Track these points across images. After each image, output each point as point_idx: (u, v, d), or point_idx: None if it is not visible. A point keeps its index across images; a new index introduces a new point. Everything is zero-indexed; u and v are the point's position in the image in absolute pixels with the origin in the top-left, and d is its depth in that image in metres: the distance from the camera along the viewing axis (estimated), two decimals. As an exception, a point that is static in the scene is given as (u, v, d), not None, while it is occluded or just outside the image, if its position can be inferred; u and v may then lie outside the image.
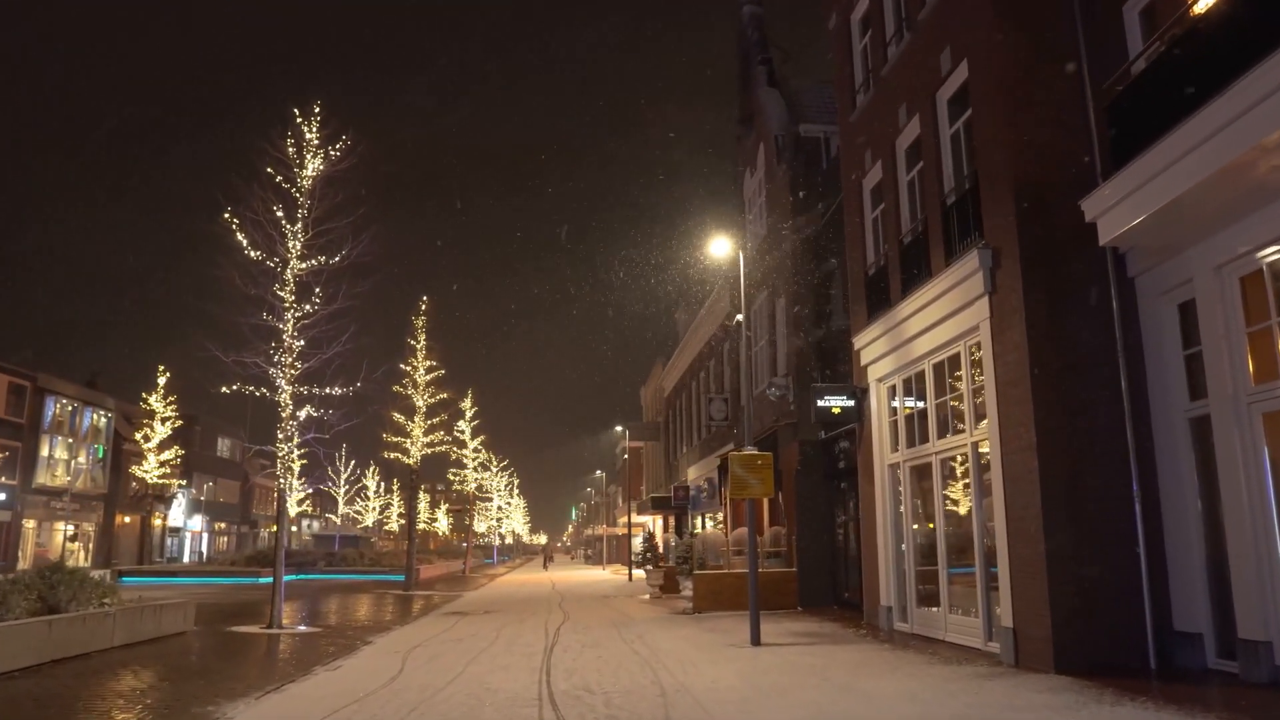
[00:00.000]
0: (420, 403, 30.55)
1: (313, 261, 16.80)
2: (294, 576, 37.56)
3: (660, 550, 25.72)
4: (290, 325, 16.43)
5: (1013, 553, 10.12)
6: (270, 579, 16.05)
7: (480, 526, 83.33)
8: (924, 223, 13.05)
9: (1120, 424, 9.82)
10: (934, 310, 12.25)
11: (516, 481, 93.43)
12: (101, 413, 53.40)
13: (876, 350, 14.47)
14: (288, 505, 52.80)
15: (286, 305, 16.45)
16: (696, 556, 18.60)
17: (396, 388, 30.51)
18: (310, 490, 65.00)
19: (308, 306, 16.52)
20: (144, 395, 41.40)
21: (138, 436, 41.02)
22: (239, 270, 16.05)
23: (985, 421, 10.98)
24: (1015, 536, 10.08)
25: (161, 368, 40.80)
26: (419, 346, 30.76)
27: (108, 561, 49.67)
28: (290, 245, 16.62)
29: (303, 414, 16.43)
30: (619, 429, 46.41)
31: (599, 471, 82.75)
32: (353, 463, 73.11)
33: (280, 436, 16.33)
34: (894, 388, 14.26)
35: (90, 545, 53.21)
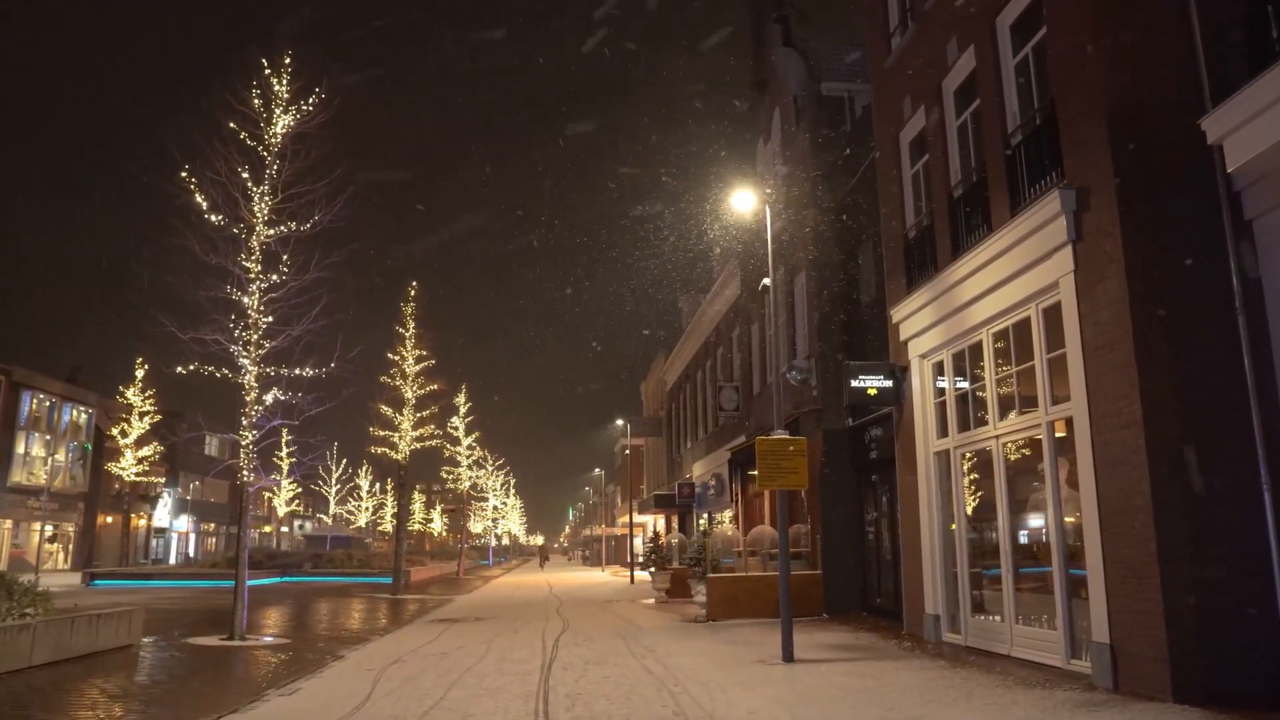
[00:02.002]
0: (409, 394, 28.72)
1: (281, 228, 15.01)
2: (277, 579, 35.82)
3: (665, 551, 23.93)
4: (256, 299, 14.63)
5: (1109, 552, 8.34)
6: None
7: (476, 527, 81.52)
8: (981, 170, 11.27)
9: (1242, 395, 8.04)
10: (995, 269, 10.48)
11: (513, 481, 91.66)
12: (82, 409, 51.54)
13: (920, 322, 12.70)
14: (276, 505, 50.46)
15: (252, 276, 14.65)
16: (710, 557, 16.81)
17: (384, 378, 28.74)
18: (299, 489, 63.04)
19: (275, 277, 14.72)
20: (121, 389, 39.47)
21: (114, 432, 39.10)
22: (197, 235, 14.26)
23: (1068, 396, 9.19)
24: (1113, 532, 8.30)
25: (140, 360, 38.79)
26: (408, 335, 28.94)
27: (89, 563, 47.81)
28: (256, 209, 14.82)
29: (269, 397, 14.61)
30: (619, 422, 44.57)
31: (597, 470, 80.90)
32: (345, 461, 71.15)
33: (244, 423, 14.51)
34: (941, 364, 12.49)
35: (70, 546, 51.38)
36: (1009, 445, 10.69)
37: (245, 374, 14.49)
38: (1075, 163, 9.08)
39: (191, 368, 14.32)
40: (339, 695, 8.82)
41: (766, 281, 12.44)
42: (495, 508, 74.79)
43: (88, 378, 53.40)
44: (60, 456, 49.71)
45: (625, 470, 52.07)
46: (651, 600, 22.51)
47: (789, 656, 10.52)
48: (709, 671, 9.87)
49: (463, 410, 46.60)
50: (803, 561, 17.04)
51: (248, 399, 14.47)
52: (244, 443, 14.51)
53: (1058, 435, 9.61)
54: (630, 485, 45.84)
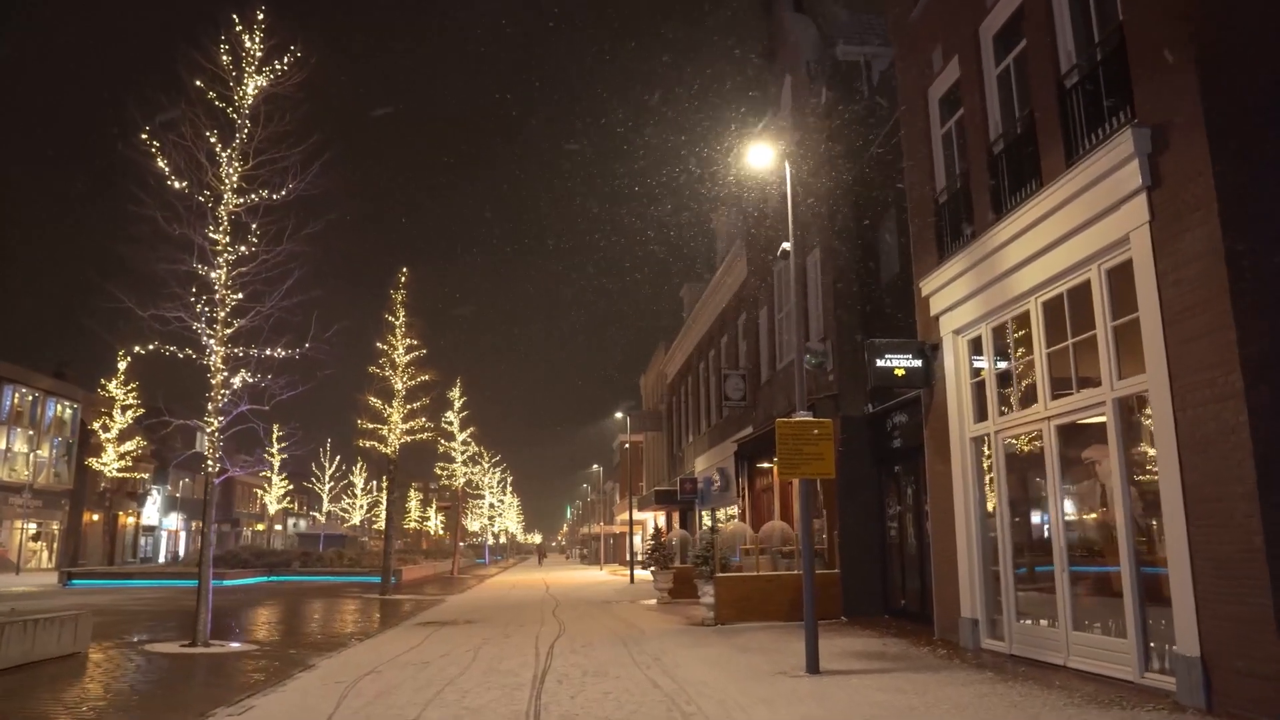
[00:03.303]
0: (399, 385, 27.48)
1: (252, 196, 13.75)
2: (264, 579, 34.57)
3: (668, 548, 22.69)
4: (224, 273, 13.37)
5: (1198, 548, 7.10)
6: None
7: (474, 525, 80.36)
8: (1028, 120, 10.03)
9: (1358, 363, 6.80)
10: (1047, 229, 9.24)
11: (510, 479, 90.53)
12: (67, 403, 50.20)
13: (954, 294, 11.46)
14: (268, 502, 48.99)
15: (219, 248, 13.39)
16: (719, 555, 15.56)
17: (372, 369, 27.51)
18: (290, 486, 61.78)
19: (244, 249, 13.46)
20: (103, 381, 38.12)
21: (95, 426, 37.79)
22: (158, 203, 12.99)
23: (1141, 368, 7.96)
24: (1203, 524, 7.06)
25: (121, 351, 37.35)
26: (398, 323, 27.69)
27: (74, 562, 46.56)
28: (224, 175, 13.57)
29: (237, 380, 13.35)
30: (618, 415, 43.29)
31: (596, 466, 79.64)
32: (338, 458, 69.91)
33: (209, 408, 13.24)
34: (978, 340, 11.24)
35: (55, 545, 50.06)
36: (1063, 426, 9.44)
37: (211, 355, 13.24)
38: (1150, 97, 7.83)
39: (151, 348, 13.07)
40: (296, 714, 7.59)
41: (786, 246, 11.20)
42: (491, 505, 73.62)
43: (76, 373, 52.09)
44: (44, 452, 48.40)
45: (624, 466, 50.83)
46: (653, 601, 21.28)
47: (814, 667, 9.28)
48: (724, 685, 8.62)
49: (457, 405, 45.49)
50: (818, 560, 15.77)
51: (213, 382, 13.23)
52: (209, 430, 13.25)
53: (1127, 411, 8.37)
54: (629, 481, 44.60)
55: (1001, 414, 10.60)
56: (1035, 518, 10.36)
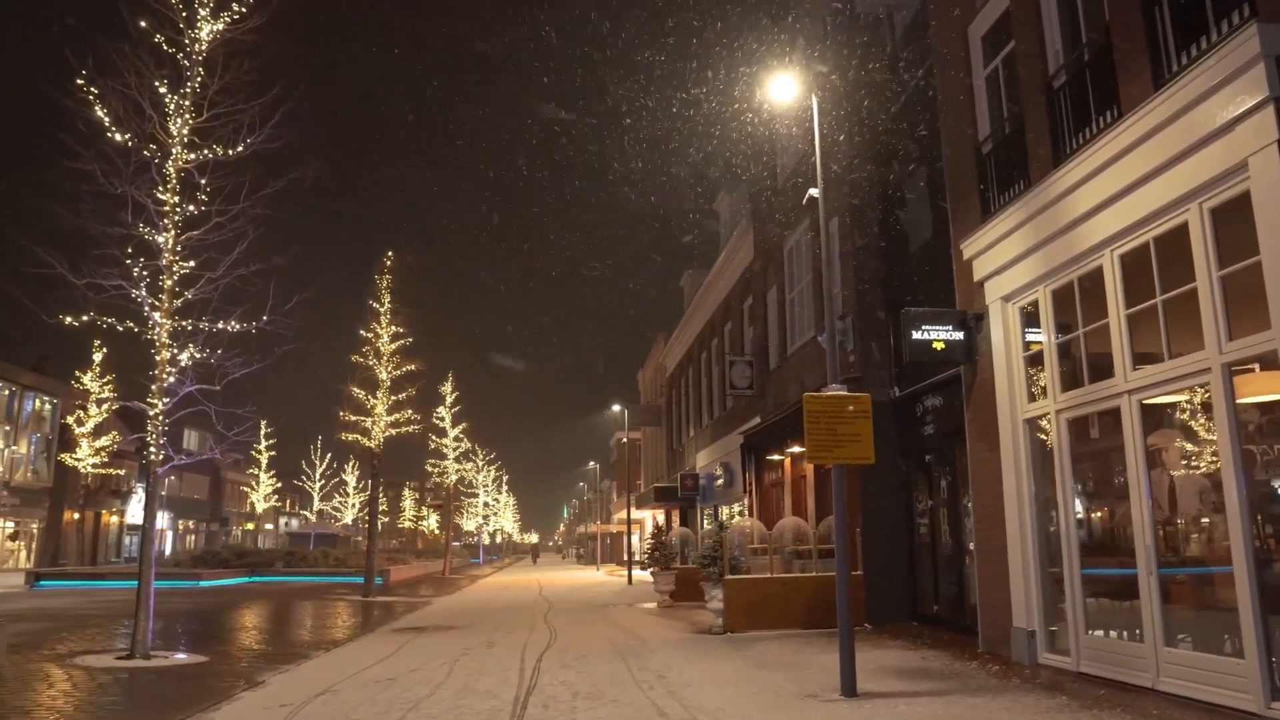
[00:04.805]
0: (384, 376, 25.94)
1: (204, 152, 12.23)
2: (245, 579, 33.03)
3: (669, 547, 21.20)
4: (171, 237, 11.84)
5: (1354, 547, 5.59)
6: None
7: (469, 525, 78.81)
8: (1098, 44, 8.52)
9: None
10: (1128, 167, 7.73)
11: (505, 477, 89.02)
12: (45, 398, 48.50)
13: (1003, 255, 9.94)
14: (254, 500, 47.22)
15: (166, 208, 11.86)
16: (729, 555, 14.02)
17: (356, 357, 25.97)
18: (279, 484, 60.17)
19: (194, 209, 11.93)
20: (78, 373, 36.52)
21: (69, 420, 36.21)
22: (94, 155, 11.46)
23: (1263, 324, 6.44)
24: (1363, 518, 5.55)
25: (97, 342, 35.76)
26: (383, 310, 26.15)
27: (54, 562, 44.95)
28: (174, 128, 12.04)
29: (185, 357, 11.80)
30: (615, 408, 41.77)
31: (592, 463, 78.08)
32: (330, 455, 68.18)
33: (153, 389, 11.69)
34: (1034, 306, 9.72)
35: (34, 544, 48.38)
36: (1146, 403, 7.91)
37: (155, 329, 11.69)
38: (1276, -12, 6.32)
39: (85, 319, 11.51)
40: (214, 755, 6.06)
41: (814, 192, 9.67)
42: (486, 504, 72.08)
43: (55, 366, 50.35)
44: (22, 449, 46.72)
45: (622, 463, 49.30)
46: (653, 605, 19.75)
47: (850, 689, 7.75)
48: (745, 713, 7.09)
49: (449, 400, 43.99)
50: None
51: (157, 359, 11.69)
52: (152, 413, 11.70)
53: (1239, 383, 6.85)
54: (627, 479, 43.05)
55: (1066, 390, 9.07)
56: (1111, 510, 8.84)
